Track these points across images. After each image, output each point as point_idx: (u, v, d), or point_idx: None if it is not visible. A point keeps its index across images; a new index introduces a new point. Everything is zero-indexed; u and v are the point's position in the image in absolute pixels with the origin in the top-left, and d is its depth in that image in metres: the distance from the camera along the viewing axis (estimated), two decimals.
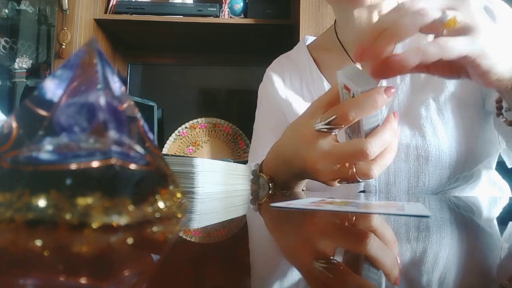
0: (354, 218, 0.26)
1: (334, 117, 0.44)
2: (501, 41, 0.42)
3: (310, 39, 0.87)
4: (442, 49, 0.37)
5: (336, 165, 0.47)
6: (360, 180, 0.47)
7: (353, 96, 0.43)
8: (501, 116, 0.52)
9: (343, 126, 0.45)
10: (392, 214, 0.28)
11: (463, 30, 0.38)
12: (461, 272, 0.14)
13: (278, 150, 0.58)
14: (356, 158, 0.45)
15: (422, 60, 0.37)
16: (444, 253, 0.17)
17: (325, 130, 0.45)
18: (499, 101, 0.53)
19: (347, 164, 0.47)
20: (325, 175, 0.48)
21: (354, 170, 0.46)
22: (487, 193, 0.71)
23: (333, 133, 0.46)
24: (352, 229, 0.23)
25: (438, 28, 0.38)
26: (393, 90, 0.43)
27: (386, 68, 0.38)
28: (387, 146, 0.45)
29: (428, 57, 0.37)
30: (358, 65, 0.45)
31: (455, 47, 0.37)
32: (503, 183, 0.76)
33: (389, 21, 0.38)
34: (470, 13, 0.39)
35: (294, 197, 0.46)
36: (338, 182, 0.50)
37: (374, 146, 0.44)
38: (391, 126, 0.45)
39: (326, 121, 0.45)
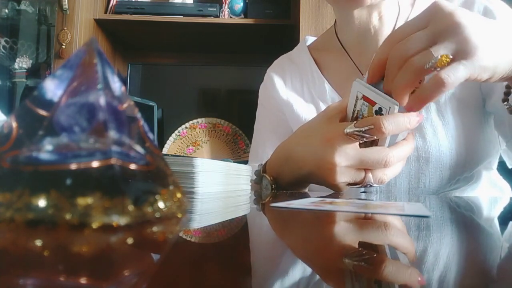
0: (354, 218, 0.26)
1: (371, 127, 0.47)
2: (499, 43, 0.44)
3: (310, 39, 0.87)
4: (443, 86, 0.41)
5: (355, 169, 0.50)
6: (374, 185, 0.51)
7: (379, 109, 0.47)
8: (507, 102, 0.53)
9: (375, 137, 0.48)
10: (392, 214, 0.28)
11: (459, 55, 0.41)
12: (460, 271, 0.14)
13: (285, 151, 0.59)
14: (377, 164, 0.49)
15: (429, 101, 0.43)
16: (444, 252, 0.17)
17: (356, 136, 0.48)
18: (509, 87, 0.53)
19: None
20: (342, 176, 0.50)
21: (370, 175, 0.50)
22: (487, 194, 0.71)
23: (361, 141, 0.49)
24: (352, 229, 0.23)
25: (433, 70, 0.42)
26: (424, 116, 0.47)
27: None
28: None
29: (433, 99, 0.42)
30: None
31: (455, 79, 0.41)
32: (504, 183, 0.76)
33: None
34: (462, 37, 0.41)
35: (295, 197, 0.46)
36: (348, 185, 0.52)
37: (395, 156, 0.49)
38: (412, 142, 0.51)
39: (363, 129, 0.47)
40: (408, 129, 0.47)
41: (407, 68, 0.42)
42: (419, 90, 0.43)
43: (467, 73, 0.41)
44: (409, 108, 0.45)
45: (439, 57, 0.40)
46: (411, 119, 0.46)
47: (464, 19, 0.41)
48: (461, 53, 0.41)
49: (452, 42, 0.41)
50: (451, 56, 0.41)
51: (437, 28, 0.42)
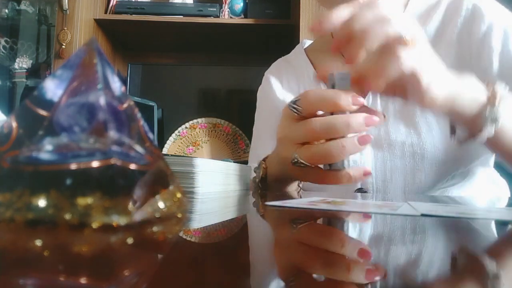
0: (349, 218, 0.27)
1: (299, 98, 0.45)
2: (442, 71, 0.45)
3: (308, 42, 0.89)
4: (400, 65, 0.41)
5: (297, 143, 0.46)
6: (302, 161, 0.45)
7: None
8: (453, 136, 0.52)
9: (302, 111, 0.44)
10: (385, 214, 0.28)
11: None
12: (448, 271, 0.14)
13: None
14: (310, 136, 0.44)
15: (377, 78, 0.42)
16: (432, 252, 0.17)
17: (291, 109, 0.46)
18: (452, 124, 0.53)
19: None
20: (285, 150, 0.47)
21: (299, 150, 0.45)
22: (485, 192, 0.72)
23: (298, 114, 0.45)
24: (348, 228, 0.23)
25: (398, 43, 0.41)
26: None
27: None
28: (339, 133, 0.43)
29: (382, 75, 0.42)
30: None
31: (412, 64, 0.41)
32: (501, 181, 0.76)
33: (364, 26, 0.42)
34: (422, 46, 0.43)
35: (290, 197, 0.46)
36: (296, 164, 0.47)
37: (319, 126, 0.43)
38: (349, 116, 0.43)
39: (293, 100, 0.45)
40: (336, 107, 0.42)
41: (385, 25, 0.41)
42: (371, 62, 0.42)
43: (415, 66, 0.42)
44: (356, 81, 0.42)
45: (411, 36, 0.41)
46: (340, 96, 0.42)
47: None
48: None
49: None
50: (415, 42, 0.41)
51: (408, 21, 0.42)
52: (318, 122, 0.43)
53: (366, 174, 0.45)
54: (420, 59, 0.42)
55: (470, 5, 0.68)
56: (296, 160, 0.45)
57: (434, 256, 0.16)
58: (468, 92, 0.47)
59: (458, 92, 0.46)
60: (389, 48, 0.42)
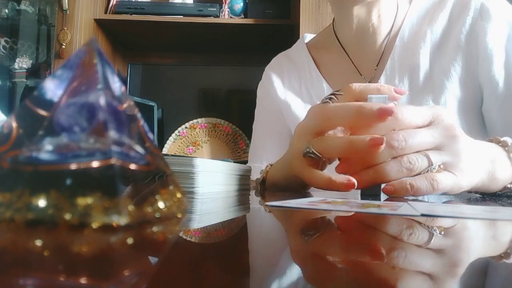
0: (348, 218, 0.27)
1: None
2: (476, 166, 0.45)
3: (309, 37, 0.87)
4: (436, 189, 0.42)
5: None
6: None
7: None
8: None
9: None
10: (385, 214, 0.28)
11: (449, 167, 0.43)
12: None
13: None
14: None
15: (411, 195, 0.42)
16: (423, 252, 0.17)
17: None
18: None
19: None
20: (298, 143, 0.49)
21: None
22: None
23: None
24: (345, 228, 0.23)
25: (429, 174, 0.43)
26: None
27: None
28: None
29: (418, 195, 0.42)
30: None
31: (445, 186, 0.42)
32: None
33: (382, 162, 0.42)
34: (455, 152, 0.43)
35: (295, 197, 0.45)
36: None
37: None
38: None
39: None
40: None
41: (402, 164, 0.41)
42: (411, 182, 0.42)
43: (452, 185, 0.43)
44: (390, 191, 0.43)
45: (436, 167, 0.42)
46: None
47: (461, 134, 0.44)
48: (451, 167, 0.43)
49: (448, 154, 0.43)
50: (443, 168, 0.43)
51: (439, 133, 0.43)
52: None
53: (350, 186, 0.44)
54: (454, 181, 0.43)
55: (479, 4, 0.67)
56: (308, 150, 0.46)
57: (436, 257, 0.16)
58: (496, 176, 0.48)
59: (485, 183, 0.47)
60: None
